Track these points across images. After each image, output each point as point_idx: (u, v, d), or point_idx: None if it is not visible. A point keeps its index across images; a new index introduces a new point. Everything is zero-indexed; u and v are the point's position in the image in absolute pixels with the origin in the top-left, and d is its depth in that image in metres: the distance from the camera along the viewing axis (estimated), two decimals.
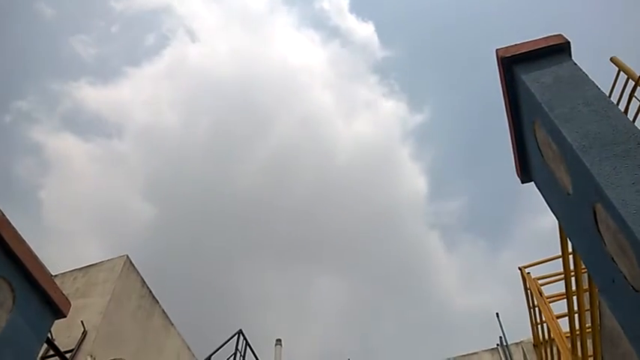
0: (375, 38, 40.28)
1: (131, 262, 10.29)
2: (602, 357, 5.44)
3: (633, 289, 2.80)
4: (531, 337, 9.15)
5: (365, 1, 41.87)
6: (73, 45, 32.77)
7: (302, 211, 33.12)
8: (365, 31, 39.99)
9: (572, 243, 4.61)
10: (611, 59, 6.57)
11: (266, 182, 33.24)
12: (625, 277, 2.88)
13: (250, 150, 34.06)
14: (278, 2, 39.63)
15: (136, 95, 34.94)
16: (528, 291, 7.38)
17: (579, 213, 3.36)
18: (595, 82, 3.57)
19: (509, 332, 11.67)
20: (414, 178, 37.22)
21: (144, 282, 10.56)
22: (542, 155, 3.89)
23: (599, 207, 3.00)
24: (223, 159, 33.60)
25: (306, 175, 34.58)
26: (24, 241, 4.62)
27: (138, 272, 10.46)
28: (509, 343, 11.55)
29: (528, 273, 7.29)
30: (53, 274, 10.36)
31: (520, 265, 7.41)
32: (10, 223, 4.51)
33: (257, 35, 37.85)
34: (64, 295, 5.02)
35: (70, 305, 5.09)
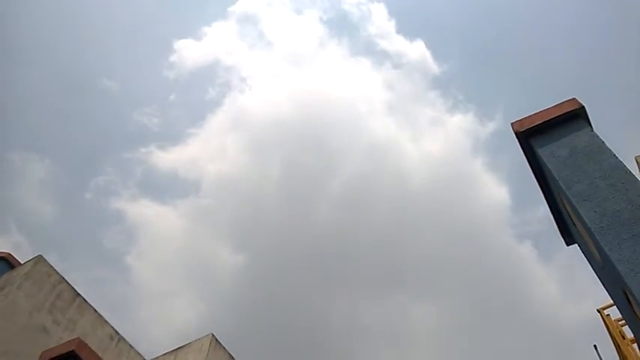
0: (428, 54, 39.92)
1: (217, 340, 10.71)
2: None
3: None
4: None
5: (410, 20, 41.78)
6: (137, 118, 35.10)
7: (384, 240, 32.85)
8: (416, 49, 39.81)
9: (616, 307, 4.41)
10: (636, 158, 6.61)
11: (344, 216, 33.38)
12: None
13: (324, 186, 34.47)
14: (326, 36, 40.14)
15: (206, 150, 36.48)
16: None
17: (614, 289, 3.26)
18: (612, 150, 3.51)
19: None
20: (493, 189, 35.93)
21: (231, 357, 10.92)
22: (575, 225, 3.82)
23: (627, 291, 2.93)
24: (299, 198, 34.18)
25: (383, 203, 34.38)
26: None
27: (225, 349, 10.85)
28: None
29: (608, 315, 6.83)
30: (147, 359, 11.01)
31: (598, 307, 6.98)
32: (89, 348, 4.92)
33: (311, 71, 38.66)
34: None
35: None
